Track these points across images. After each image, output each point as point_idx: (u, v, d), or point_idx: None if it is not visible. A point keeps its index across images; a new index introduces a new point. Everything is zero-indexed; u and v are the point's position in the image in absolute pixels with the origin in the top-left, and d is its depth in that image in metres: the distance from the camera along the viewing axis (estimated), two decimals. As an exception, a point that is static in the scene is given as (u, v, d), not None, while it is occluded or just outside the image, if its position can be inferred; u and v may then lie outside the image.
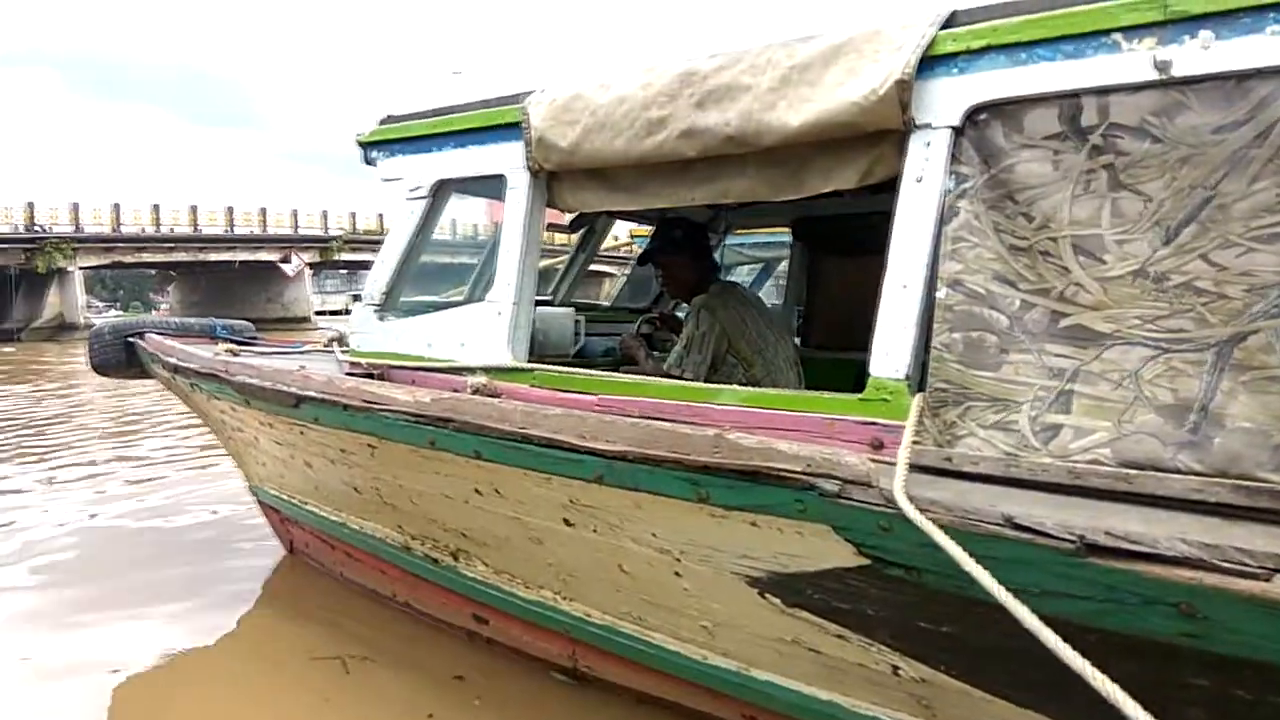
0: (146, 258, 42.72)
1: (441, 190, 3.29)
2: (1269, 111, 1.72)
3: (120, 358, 4.47)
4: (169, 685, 3.44)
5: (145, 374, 4.55)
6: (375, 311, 3.37)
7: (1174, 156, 1.82)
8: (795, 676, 2.38)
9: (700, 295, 3.41)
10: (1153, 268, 1.82)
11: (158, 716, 3.21)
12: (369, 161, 3.43)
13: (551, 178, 2.96)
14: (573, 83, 2.88)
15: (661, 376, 3.17)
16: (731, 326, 3.30)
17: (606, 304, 4.98)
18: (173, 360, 4.07)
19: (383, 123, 3.43)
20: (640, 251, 4.21)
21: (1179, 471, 1.73)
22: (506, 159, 3.00)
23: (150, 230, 41.53)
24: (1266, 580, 1.45)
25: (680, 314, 4.28)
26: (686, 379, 3.12)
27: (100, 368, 4.57)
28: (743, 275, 6.81)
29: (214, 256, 42.95)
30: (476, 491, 2.82)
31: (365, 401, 2.90)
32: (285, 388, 3.24)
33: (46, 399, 13.05)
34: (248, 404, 3.62)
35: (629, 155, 2.67)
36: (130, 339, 4.43)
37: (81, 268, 38.79)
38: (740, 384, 3.19)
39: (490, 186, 3.09)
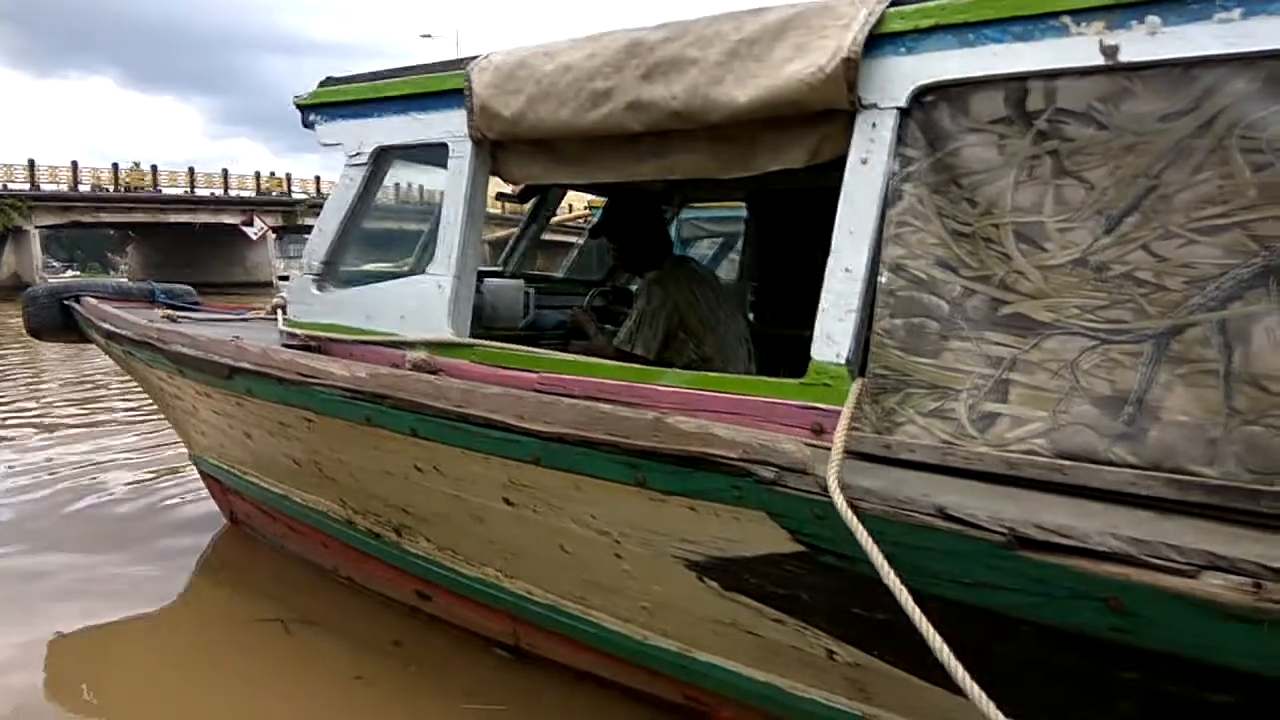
0: (105, 218, 41.96)
1: (382, 157, 3.19)
2: (1213, 101, 1.69)
3: (56, 321, 4.33)
4: (109, 644, 3.47)
5: (83, 338, 4.43)
6: (314, 281, 3.28)
7: (1118, 144, 1.79)
8: (735, 658, 2.37)
9: (652, 271, 3.36)
10: (1093, 257, 1.80)
11: (100, 671, 3.22)
12: (308, 125, 3.32)
13: (495, 147, 2.88)
14: (518, 50, 2.80)
15: (611, 351, 3.13)
16: (683, 303, 3.25)
17: (559, 275, 4.91)
18: (107, 326, 3.96)
19: (322, 85, 3.32)
20: (593, 224, 4.16)
21: (1113, 464, 1.72)
22: (449, 127, 2.91)
23: (109, 189, 40.76)
24: (1193, 577, 1.44)
25: (632, 288, 4.24)
26: (637, 354, 3.09)
27: (36, 331, 4.44)
28: (703, 249, 6.75)
29: (174, 218, 42.29)
30: (416, 468, 2.77)
31: (300, 375, 2.84)
32: (218, 359, 3.16)
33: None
34: (181, 374, 3.54)
35: (574, 127, 2.60)
36: (66, 302, 4.31)
37: (38, 227, 38.08)
38: (690, 360, 3.16)
39: (433, 155, 3.00)
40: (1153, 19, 1.75)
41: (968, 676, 1.53)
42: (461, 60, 2.91)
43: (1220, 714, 1.58)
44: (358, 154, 3.20)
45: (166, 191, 42.20)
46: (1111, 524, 1.56)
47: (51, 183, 39.02)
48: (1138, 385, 1.73)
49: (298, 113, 3.35)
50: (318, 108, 3.32)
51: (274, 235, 42.67)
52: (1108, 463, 1.72)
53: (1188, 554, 1.45)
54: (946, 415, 1.91)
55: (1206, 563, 1.44)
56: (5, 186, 37.03)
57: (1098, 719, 1.75)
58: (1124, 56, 1.78)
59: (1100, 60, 1.80)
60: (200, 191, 43.61)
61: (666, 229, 3.82)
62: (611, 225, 3.58)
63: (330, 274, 3.31)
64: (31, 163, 38.63)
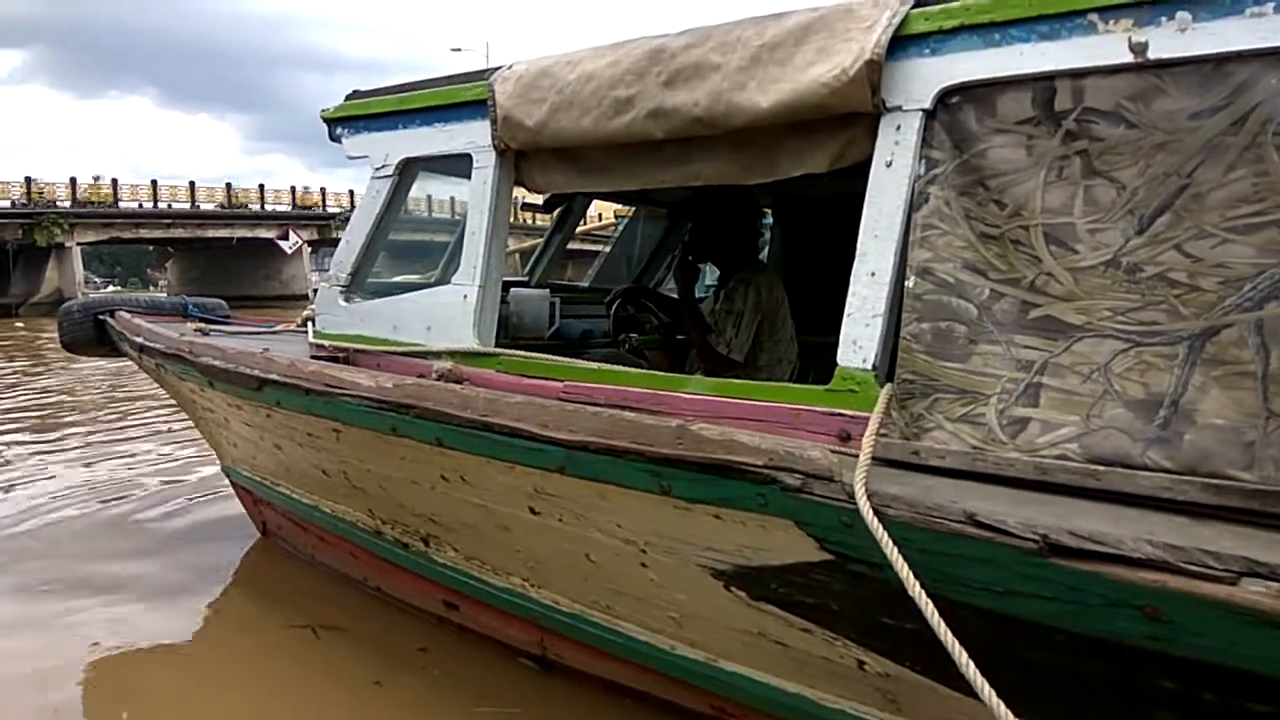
0: (144, 233, 42.69)
1: (408, 169, 3.22)
2: (1246, 97, 1.66)
3: (90, 336, 4.40)
4: (144, 652, 3.50)
5: (117, 352, 4.49)
6: (341, 293, 3.31)
7: (1149, 143, 1.76)
8: (763, 668, 2.34)
9: (743, 269, 3.36)
10: (1125, 258, 1.77)
11: (134, 678, 3.29)
12: (334, 138, 3.36)
13: (519, 157, 2.89)
14: (540, 60, 2.81)
15: (715, 356, 3.18)
16: (767, 310, 3.28)
17: (585, 285, 4.91)
18: (139, 340, 4.01)
19: (349, 98, 3.36)
20: (682, 203, 4.17)
21: (1148, 468, 1.68)
22: (472, 137, 2.93)
23: (148, 206, 41.46)
24: (1233, 584, 1.40)
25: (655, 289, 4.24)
26: (733, 359, 3.16)
27: (70, 346, 4.51)
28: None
29: (212, 233, 42.96)
30: (443, 478, 2.78)
31: (327, 386, 2.85)
32: (247, 370, 3.19)
33: (45, 375, 13.12)
34: (212, 386, 3.57)
35: (596, 135, 2.60)
36: (100, 317, 4.37)
37: (80, 243, 38.83)
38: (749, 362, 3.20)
39: (457, 165, 3.02)
40: (1183, 15, 1.72)
41: (986, 684, 1.51)
42: (484, 71, 2.93)
43: None
44: (383, 166, 3.23)
45: (204, 207, 42.88)
46: (1147, 530, 1.52)
47: (93, 199, 39.73)
48: (1172, 388, 1.69)
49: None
50: (344, 121, 3.36)
51: (309, 249, 43.25)
52: (1142, 467, 1.69)
53: (1226, 560, 1.41)
54: (976, 420, 1.88)
55: (1245, 569, 1.40)
56: (53, 204, 37.76)
57: None
58: (1153, 53, 1.75)
59: (1129, 58, 1.77)
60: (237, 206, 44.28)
61: (760, 225, 3.78)
62: (708, 218, 3.54)
63: (357, 285, 3.34)
64: (73, 180, 39.39)
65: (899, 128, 2.07)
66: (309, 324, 3.75)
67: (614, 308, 3.88)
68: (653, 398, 2.41)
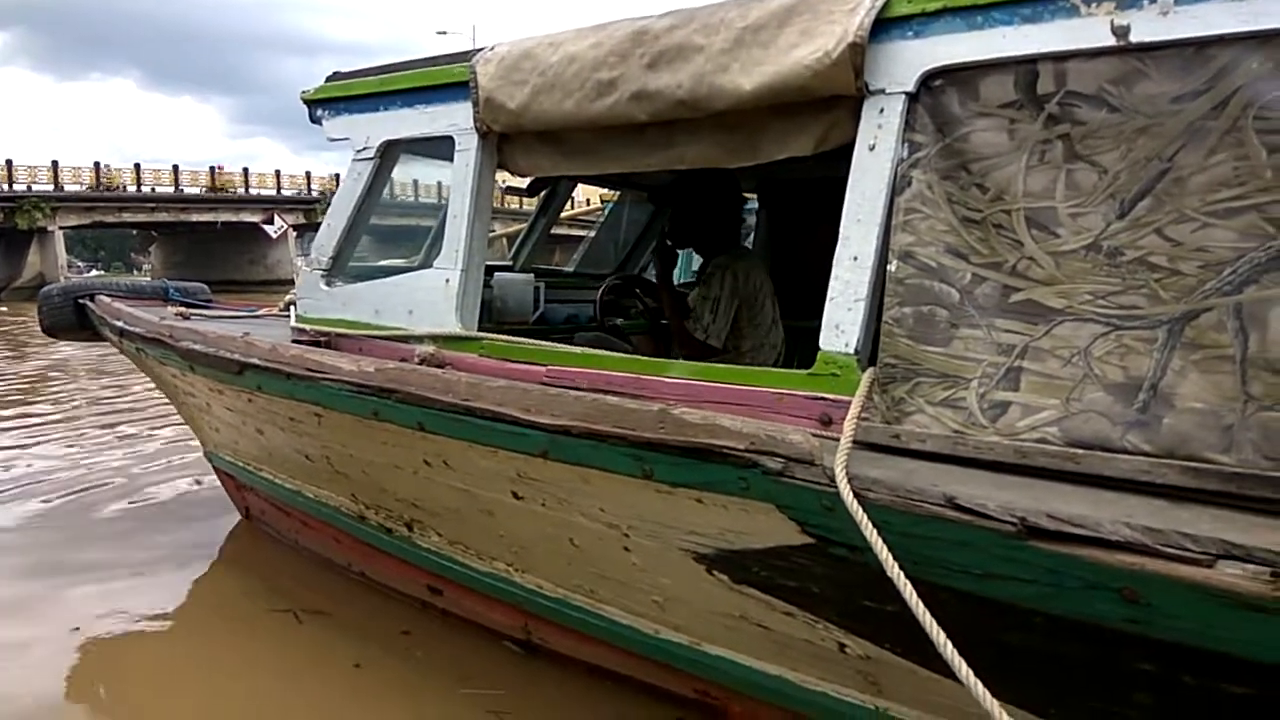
0: (128, 218, 42.30)
1: (389, 151, 3.20)
2: (1227, 81, 1.65)
3: (71, 320, 4.36)
4: (126, 636, 3.49)
5: (97, 337, 4.45)
6: (322, 277, 3.29)
7: (1131, 127, 1.76)
8: (745, 651, 2.35)
9: (722, 255, 3.34)
10: (1106, 242, 1.77)
11: (116, 660, 3.31)
12: (315, 120, 3.33)
13: (501, 140, 2.87)
14: (523, 41, 2.79)
15: (692, 341, 3.18)
16: (746, 293, 3.26)
17: (570, 270, 4.89)
18: (120, 324, 3.98)
19: (329, 80, 3.33)
20: (664, 187, 4.13)
21: (1127, 452, 1.69)
22: (454, 120, 2.90)
23: (131, 189, 41.09)
24: (1209, 566, 1.41)
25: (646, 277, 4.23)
26: (711, 345, 3.15)
27: (51, 330, 4.47)
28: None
29: (196, 217, 42.63)
30: (425, 463, 2.77)
31: (308, 370, 2.84)
32: (228, 355, 3.16)
33: (23, 360, 13.05)
34: (193, 370, 3.55)
35: (579, 118, 2.58)
36: (80, 301, 4.33)
37: (62, 227, 38.47)
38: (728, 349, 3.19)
39: (439, 148, 3.00)
40: None
41: (965, 666, 1.52)
42: (466, 52, 2.91)
43: (1238, 706, 1.54)
44: (364, 148, 3.20)
45: (188, 191, 42.52)
46: (1125, 513, 1.53)
47: (75, 183, 39.37)
48: (1151, 372, 1.69)
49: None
50: (324, 103, 3.33)
51: (294, 233, 42.98)
52: (1121, 451, 1.69)
53: (1203, 543, 1.42)
54: (957, 404, 1.89)
55: (1222, 552, 1.41)
56: (29, 187, 37.39)
57: (1112, 711, 1.72)
58: (1136, 37, 1.74)
59: (1111, 41, 1.77)
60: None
61: (742, 210, 3.74)
62: (687, 203, 3.51)
63: (339, 269, 3.32)
64: (55, 164, 38.96)
65: (882, 111, 2.06)
66: (291, 308, 3.73)
67: (600, 292, 3.88)
68: (636, 382, 2.41)
